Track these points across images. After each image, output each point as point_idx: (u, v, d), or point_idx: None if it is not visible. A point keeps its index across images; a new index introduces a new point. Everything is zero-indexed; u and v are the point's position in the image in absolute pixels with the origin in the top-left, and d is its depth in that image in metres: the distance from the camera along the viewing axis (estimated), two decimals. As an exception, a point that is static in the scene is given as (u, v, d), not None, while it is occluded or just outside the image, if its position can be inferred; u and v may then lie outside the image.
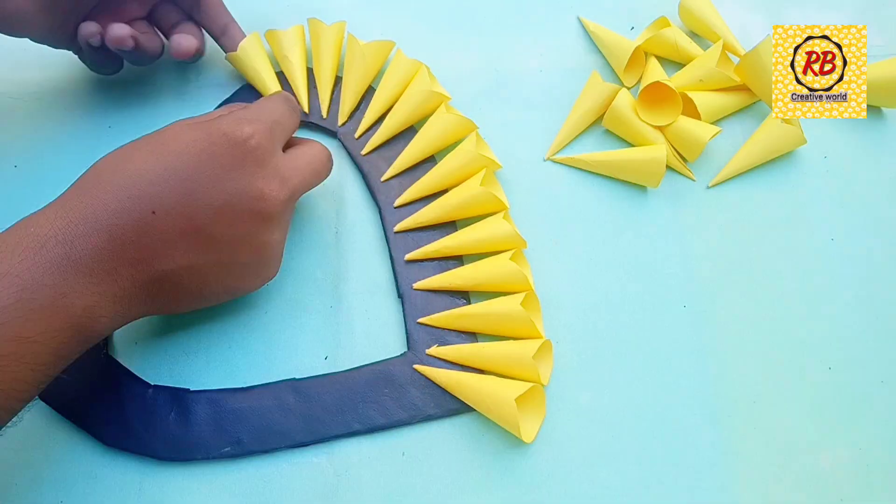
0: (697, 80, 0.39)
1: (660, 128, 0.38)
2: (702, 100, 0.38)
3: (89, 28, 0.34)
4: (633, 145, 0.39)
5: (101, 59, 0.37)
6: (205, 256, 0.28)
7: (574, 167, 0.38)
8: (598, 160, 0.38)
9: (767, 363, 0.34)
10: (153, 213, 0.26)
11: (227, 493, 0.31)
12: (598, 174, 0.38)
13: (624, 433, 0.32)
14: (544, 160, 0.39)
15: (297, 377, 0.33)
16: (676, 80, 0.39)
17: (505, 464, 0.31)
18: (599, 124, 0.40)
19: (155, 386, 0.32)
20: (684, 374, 0.33)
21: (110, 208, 0.26)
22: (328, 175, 0.34)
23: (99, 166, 0.27)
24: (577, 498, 0.31)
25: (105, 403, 0.32)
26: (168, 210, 0.26)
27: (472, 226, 0.35)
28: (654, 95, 0.38)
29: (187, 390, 0.32)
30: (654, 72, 0.39)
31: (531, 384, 0.31)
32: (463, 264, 0.35)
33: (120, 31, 0.34)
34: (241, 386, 0.33)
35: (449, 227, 0.36)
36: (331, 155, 0.34)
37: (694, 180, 0.38)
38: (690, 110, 0.38)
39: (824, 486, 0.32)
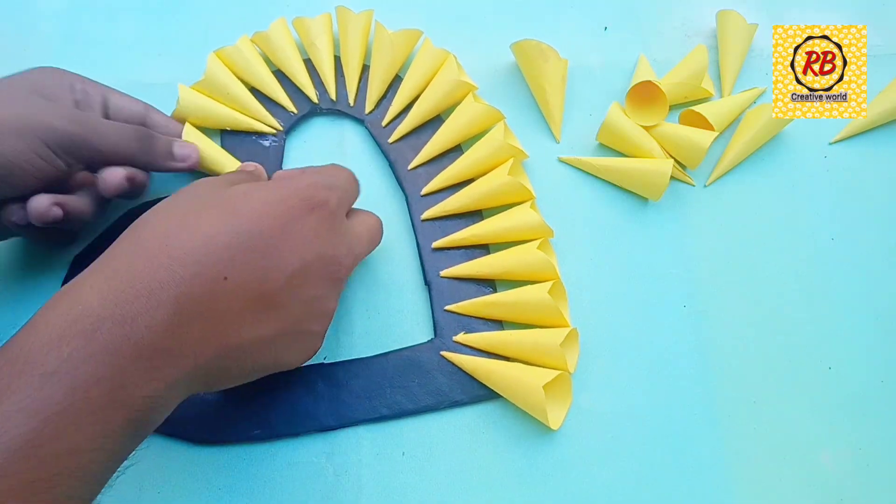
0: (682, 97, 0.39)
1: (648, 128, 0.37)
2: (710, 110, 0.38)
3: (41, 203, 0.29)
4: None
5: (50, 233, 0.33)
6: (271, 326, 0.25)
7: (579, 168, 0.38)
8: (604, 165, 0.38)
9: (767, 363, 0.34)
10: (225, 278, 0.23)
11: (227, 492, 0.31)
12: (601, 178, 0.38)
13: (623, 433, 0.32)
14: (558, 160, 0.39)
15: (325, 361, 0.33)
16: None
17: (502, 465, 0.31)
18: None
19: None
20: (684, 374, 0.33)
21: (178, 275, 0.22)
22: (379, 244, 0.33)
23: (157, 227, 0.24)
24: (576, 497, 0.31)
25: None
26: (241, 275, 0.24)
27: (500, 215, 0.35)
28: (642, 95, 0.38)
29: None
30: (644, 71, 0.39)
31: (558, 371, 0.31)
32: (489, 253, 0.35)
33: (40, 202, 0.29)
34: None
35: (475, 215, 0.36)
36: (382, 225, 0.33)
37: (693, 185, 0.38)
38: (702, 124, 0.38)
39: (824, 486, 0.32)
